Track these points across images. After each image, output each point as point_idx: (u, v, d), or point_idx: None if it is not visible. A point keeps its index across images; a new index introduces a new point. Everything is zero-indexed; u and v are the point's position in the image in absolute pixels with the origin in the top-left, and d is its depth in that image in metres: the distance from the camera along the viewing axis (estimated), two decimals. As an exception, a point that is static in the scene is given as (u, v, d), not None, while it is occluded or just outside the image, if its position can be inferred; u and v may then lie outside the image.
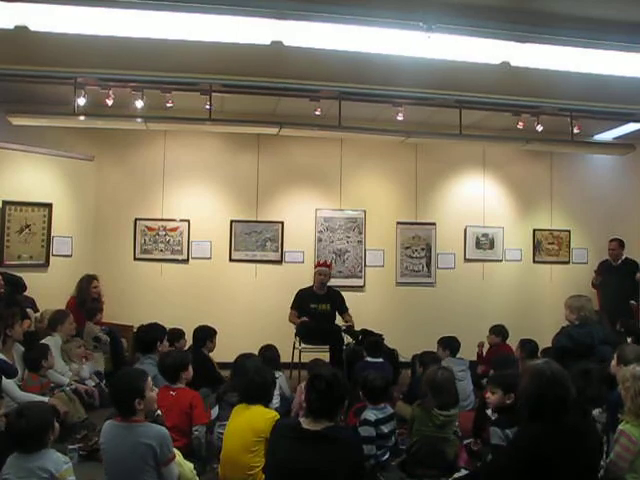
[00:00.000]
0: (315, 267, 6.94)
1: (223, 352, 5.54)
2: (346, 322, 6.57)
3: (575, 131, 6.91)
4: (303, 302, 6.59)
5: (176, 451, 3.20)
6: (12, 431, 2.95)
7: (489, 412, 4.00)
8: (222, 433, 3.83)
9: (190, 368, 4.17)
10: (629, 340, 5.47)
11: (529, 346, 5.48)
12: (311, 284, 6.80)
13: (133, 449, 3.01)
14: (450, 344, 5.63)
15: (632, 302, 7.28)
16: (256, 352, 5.08)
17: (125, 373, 3.41)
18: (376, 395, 4.06)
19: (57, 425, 3.08)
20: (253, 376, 3.75)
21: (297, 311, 6.57)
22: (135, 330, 5.81)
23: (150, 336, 5.17)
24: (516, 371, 4.73)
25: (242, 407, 3.65)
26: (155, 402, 3.33)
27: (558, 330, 5.25)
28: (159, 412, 3.41)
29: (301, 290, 6.73)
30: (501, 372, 4.45)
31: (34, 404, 3.44)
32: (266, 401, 3.70)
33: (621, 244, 7.60)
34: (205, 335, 5.53)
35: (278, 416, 3.59)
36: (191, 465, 3.38)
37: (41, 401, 4.12)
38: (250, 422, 3.52)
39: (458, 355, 5.67)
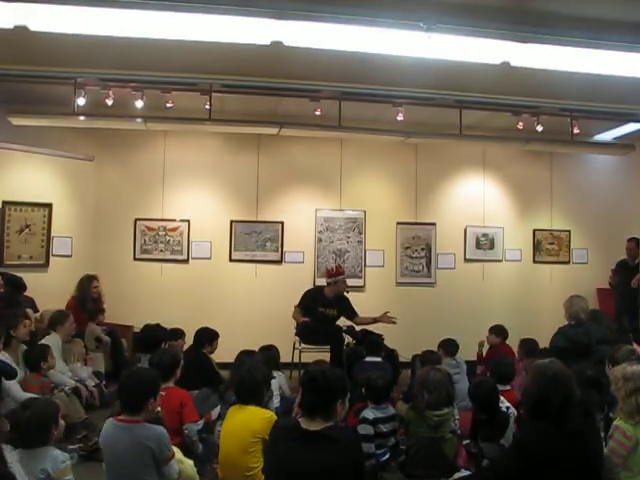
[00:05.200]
0: (334, 275, 6.68)
1: (223, 352, 5.54)
2: (359, 324, 6.51)
3: (575, 131, 6.91)
4: (311, 304, 6.52)
5: (176, 449, 3.21)
6: (16, 423, 2.95)
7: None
8: (223, 432, 3.83)
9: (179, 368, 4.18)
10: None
11: (528, 345, 5.47)
12: (315, 286, 6.74)
13: (131, 450, 3.02)
14: (444, 346, 5.63)
15: None
16: (257, 352, 5.08)
17: (141, 372, 3.39)
18: (379, 395, 4.06)
19: (62, 422, 3.08)
20: (244, 375, 3.73)
21: (303, 310, 6.52)
22: (139, 330, 5.83)
23: (155, 336, 5.21)
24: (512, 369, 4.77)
25: (236, 408, 3.65)
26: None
27: (556, 331, 5.26)
28: (158, 409, 3.42)
29: (309, 291, 6.68)
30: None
31: (39, 398, 3.44)
32: (259, 401, 3.66)
33: (638, 243, 7.54)
34: (207, 337, 5.53)
35: (274, 416, 3.58)
36: (191, 462, 3.40)
37: (47, 397, 4.11)
38: (246, 423, 3.51)
39: (457, 356, 5.66)
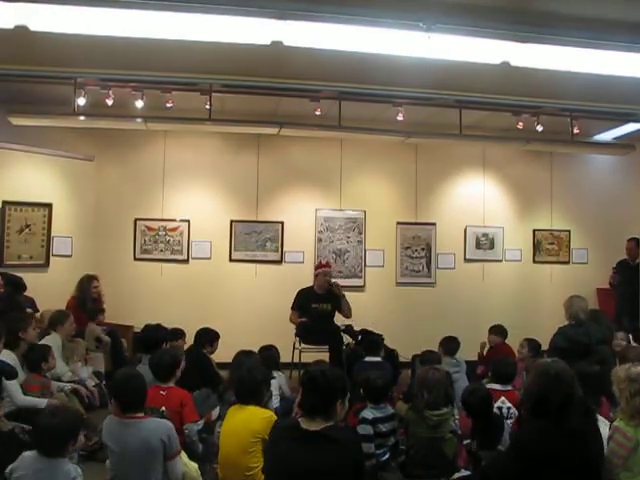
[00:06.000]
0: (316, 268, 6.92)
1: (223, 352, 5.53)
2: (345, 313, 6.59)
3: (575, 131, 6.91)
4: (304, 302, 6.59)
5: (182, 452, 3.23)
6: (41, 428, 2.92)
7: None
8: (222, 433, 3.83)
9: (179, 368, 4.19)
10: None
11: (533, 344, 5.48)
12: (311, 284, 6.78)
13: (145, 445, 3.03)
14: (444, 344, 5.64)
15: None
16: (256, 352, 5.08)
17: (132, 373, 3.39)
18: (377, 395, 4.06)
19: (82, 438, 3.08)
20: (244, 375, 3.73)
21: (298, 311, 6.57)
22: (140, 330, 5.84)
23: (156, 336, 5.21)
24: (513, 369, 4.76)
25: (236, 408, 3.65)
26: None
27: (556, 331, 5.26)
28: (164, 408, 3.43)
29: (301, 290, 6.72)
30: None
31: (66, 407, 3.44)
32: (259, 400, 3.67)
33: (638, 243, 7.52)
34: (207, 338, 5.53)
35: (274, 416, 3.59)
36: (195, 465, 3.41)
37: (70, 407, 4.09)
38: (246, 423, 3.51)
39: (457, 355, 5.67)
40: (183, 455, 3.27)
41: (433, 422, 3.76)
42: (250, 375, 3.71)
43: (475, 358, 6.31)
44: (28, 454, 2.89)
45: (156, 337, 5.22)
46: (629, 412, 3.03)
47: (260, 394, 3.71)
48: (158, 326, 5.41)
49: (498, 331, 6.39)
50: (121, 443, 3.09)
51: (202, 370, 5.17)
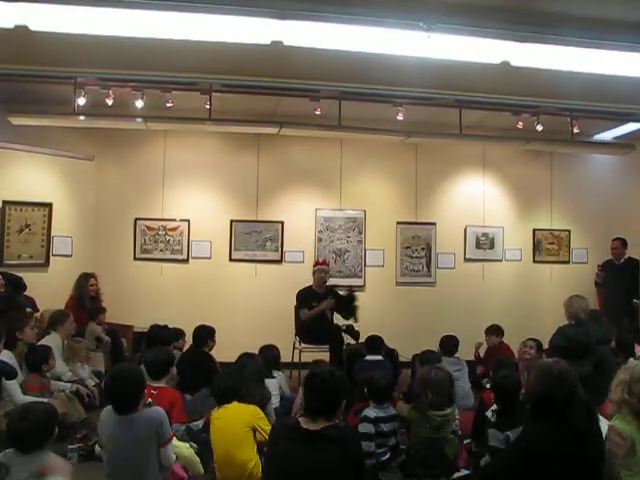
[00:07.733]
0: (314, 266, 6.93)
1: (223, 352, 5.55)
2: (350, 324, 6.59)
3: (575, 131, 6.91)
4: (305, 301, 6.59)
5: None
6: (12, 431, 2.88)
7: (489, 414, 4.00)
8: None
9: (174, 367, 4.25)
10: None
11: (539, 344, 5.50)
12: (310, 284, 6.78)
13: (139, 435, 3.06)
14: (444, 344, 5.64)
15: (635, 301, 7.25)
16: (256, 352, 5.08)
17: (127, 368, 3.41)
18: (381, 395, 4.07)
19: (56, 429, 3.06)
20: (227, 381, 3.89)
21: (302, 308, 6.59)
22: (146, 329, 5.87)
23: (160, 336, 5.24)
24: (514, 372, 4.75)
25: (218, 410, 3.78)
26: None
27: (555, 330, 5.27)
28: (150, 400, 3.45)
29: (301, 290, 6.72)
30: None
31: (37, 405, 3.40)
32: (239, 397, 3.80)
33: (624, 243, 7.53)
34: (206, 334, 5.55)
35: (258, 408, 3.74)
36: (186, 444, 3.47)
37: (43, 402, 4.08)
38: (235, 415, 3.65)
39: (457, 354, 5.67)
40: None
41: (437, 422, 3.76)
42: (231, 379, 3.89)
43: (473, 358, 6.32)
44: (4, 453, 2.84)
45: (160, 337, 5.25)
46: (630, 409, 3.03)
47: (239, 392, 3.84)
48: (164, 327, 5.45)
49: (495, 331, 6.40)
50: (116, 436, 3.12)
51: (207, 369, 5.18)
